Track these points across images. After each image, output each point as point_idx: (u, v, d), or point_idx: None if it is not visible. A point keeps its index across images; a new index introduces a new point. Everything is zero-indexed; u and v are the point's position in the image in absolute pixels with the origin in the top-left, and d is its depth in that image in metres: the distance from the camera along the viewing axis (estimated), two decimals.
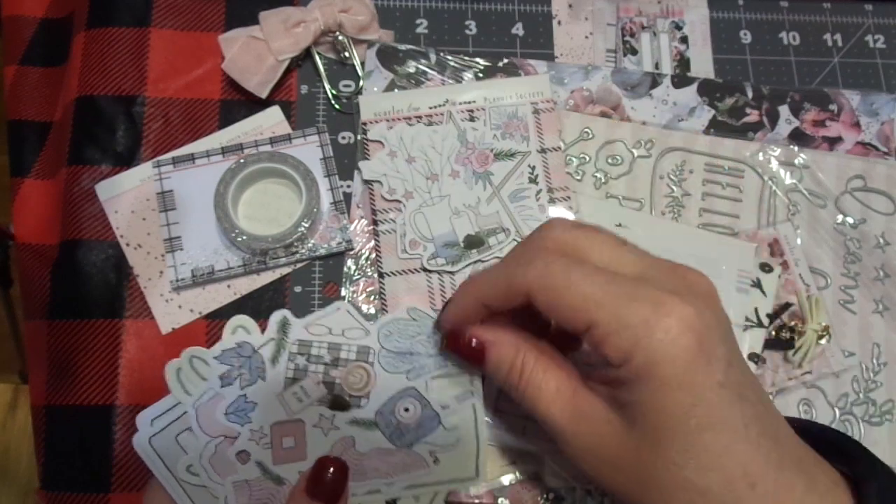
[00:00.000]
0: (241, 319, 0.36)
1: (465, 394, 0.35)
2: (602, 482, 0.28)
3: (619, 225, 0.41)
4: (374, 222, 0.41)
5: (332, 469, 0.31)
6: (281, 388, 0.34)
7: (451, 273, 0.40)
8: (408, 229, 0.40)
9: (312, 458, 0.34)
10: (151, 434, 0.34)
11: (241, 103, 0.43)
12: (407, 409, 0.35)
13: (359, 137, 0.42)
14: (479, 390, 0.35)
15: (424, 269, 0.40)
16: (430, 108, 0.42)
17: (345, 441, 0.34)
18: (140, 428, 0.34)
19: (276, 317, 0.35)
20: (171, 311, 0.39)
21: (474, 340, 0.31)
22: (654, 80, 0.44)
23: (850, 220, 0.43)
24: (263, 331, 0.36)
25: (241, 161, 0.40)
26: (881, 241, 0.43)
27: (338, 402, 0.34)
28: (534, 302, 0.28)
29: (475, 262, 0.40)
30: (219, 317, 0.39)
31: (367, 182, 0.41)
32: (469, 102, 0.42)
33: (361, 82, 0.43)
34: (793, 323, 0.41)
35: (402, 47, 0.44)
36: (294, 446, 0.34)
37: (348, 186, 0.42)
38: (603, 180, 0.42)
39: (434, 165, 0.41)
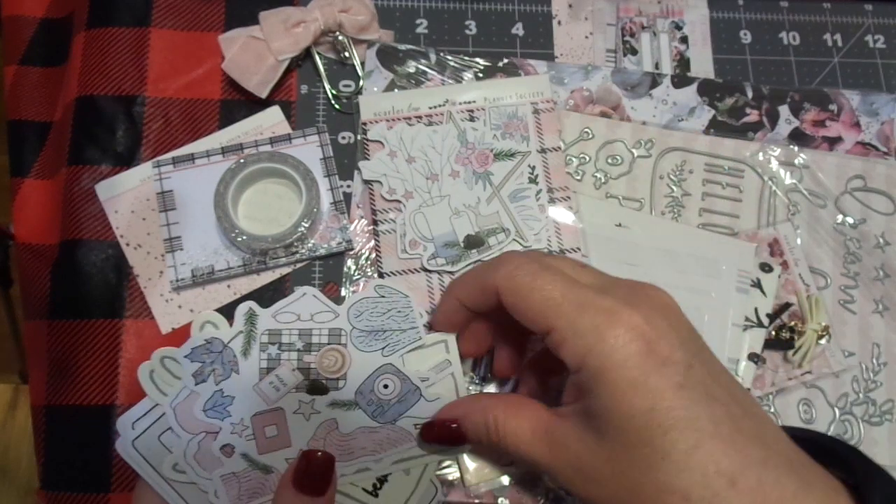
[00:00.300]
0: (208, 315, 0.35)
1: (442, 363, 0.35)
2: (594, 501, 0.29)
3: (619, 225, 0.41)
4: (374, 222, 0.41)
5: (317, 459, 0.31)
6: (256, 378, 0.34)
7: (451, 273, 0.40)
8: (408, 229, 0.40)
9: (297, 444, 0.34)
10: (134, 437, 0.34)
11: (241, 103, 0.43)
12: (386, 386, 0.35)
13: (359, 137, 0.42)
14: (457, 359, 0.35)
15: (424, 270, 0.40)
16: (430, 108, 0.42)
17: (328, 424, 0.34)
18: (122, 432, 0.34)
19: (241, 309, 0.35)
20: (171, 311, 0.39)
21: (451, 425, 0.33)
22: (654, 80, 0.44)
23: (849, 220, 0.43)
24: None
25: (241, 161, 0.40)
26: (881, 241, 0.43)
27: (315, 387, 0.34)
28: (503, 301, 0.30)
29: (475, 261, 0.40)
30: None
31: (367, 182, 0.41)
32: (469, 102, 0.42)
33: (361, 82, 0.43)
34: (793, 323, 0.41)
35: (402, 47, 0.44)
36: (277, 434, 0.34)
37: (348, 186, 0.42)
38: (603, 180, 0.42)
39: (434, 165, 0.41)
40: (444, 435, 0.33)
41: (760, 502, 0.26)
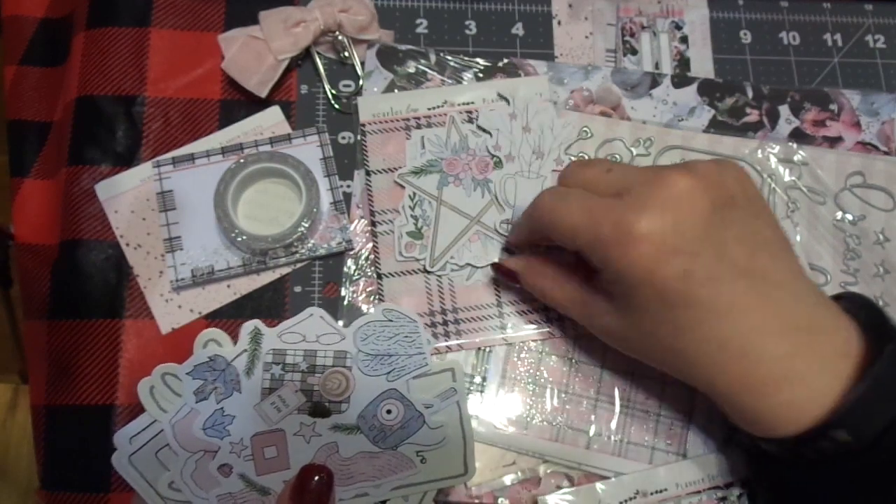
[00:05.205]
0: (212, 333, 0.35)
1: (447, 392, 0.35)
2: (619, 349, 0.35)
3: None
4: (373, 223, 0.41)
5: (316, 477, 0.31)
6: (258, 398, 0.34)
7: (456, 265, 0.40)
8: (497, 189, 0.41)
9: (296, 466, 0.33)
10: (131, 452, 0.33)
11: (241, 103, 0.43)
12: (389, 412, 0.34)
13: (358, 138, 0.42)
14: (462, 387, 0.35)
15: (424, 271, 0.40)
16: (429, 109, 0.42)
17: (328, 447, 0.34)
18: (119, 447, 0.33)
19: (247, 327, 0.35)
20: (171, 311, 0.39)
21: (513, 274, 0.38)
22: (654, 80, 0.44)
23: (849, 216, 0.43)
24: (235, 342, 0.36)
25: (241, 161, 0.40)
26: (881, 237, 0.43)
27: (318, 409, 0.34)
28: (545, 236, 0.35)
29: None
30: (219, 317, 0.39)
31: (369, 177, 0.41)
32: (468, 104, 0.43)
33: (361, 82, 0.43)
34: None
35: (402, 47, 0.44)
36: (276, 456, 0.34)
37: (348, 186, 0.42)
38: None
39: (544, 145, 0.42)
40: (508, 277, 0.39)
41: (758, 362, 0.30)
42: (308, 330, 0.35)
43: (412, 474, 0.34)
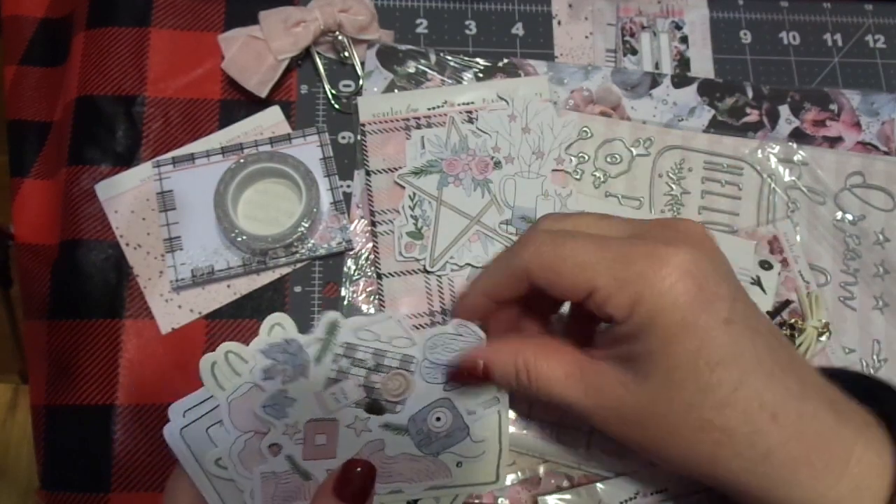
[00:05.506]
0: (279, 317, 0.35)
1: (491, 400, 0.35)
2: (633, 445, 0.29)
3: None
4: (373, 223, 0.41)
5: (359, 470, 0.31)
6: (321, 387, 0.34)
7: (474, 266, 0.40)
8: (496, 190, 0.40)
9: (342, 456, 0.34)
10: (183, 425, 0.34)
11: (240, 103, 0.43)
12: (439, 419, 0.35)
13: (358, 138, 0.42)
14: (506, 396, 0.35)
15: (424, 271, 0.40)
16: (429, 109, 0.42)
17: (375, 444, 0.34)
18: (172, 418, 0.34)
19: (327, 318, 0.35)
20: (171, 310, 0.39)
21: (479, 366, 0.32)
22: (654, 80, 0.44)
23: (849, 216, 0.43)
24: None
25: (241, 161, 0.40)
26: (881, 237, 0.43)
27: (374, 407, 0.35)
28: (534, 281, 0.29)
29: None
30: (219, 317, 0.39)
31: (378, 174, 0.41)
32: (468, 104, 0.43)
33: (361, 82, 0.43)
34: (793, 320, 0.41)
35: (402, 47, 0.44)
36: (325, 444, 0.34)
37: (348, 186, 0.42)
38: (602, 179, 0.42)
39: (544, 144, 0.42)
40: (471, 377, 0.32)
41: (800, 435, 0.26)
42: (383, 331, 0.36)
43: (447, 479, 0.35)
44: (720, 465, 0.27)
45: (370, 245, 0.41)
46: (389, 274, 0.40)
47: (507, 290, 0.31)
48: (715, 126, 0.44)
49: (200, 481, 0.33)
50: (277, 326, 0.35)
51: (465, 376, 0.33)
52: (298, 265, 0.40)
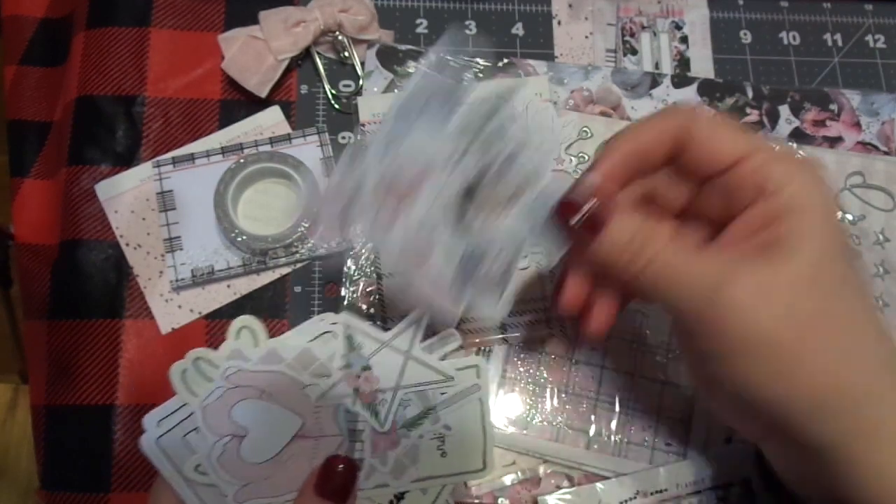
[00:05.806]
0: (246, 320, 0.35)
1: (471, 388, 0.35)
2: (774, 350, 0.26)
3: None
4: None
5: (341, 466, 0.31)
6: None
7: None
8: None
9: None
10: (158, 435, 0.34)
11: (240, 103, 0.43)
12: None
13: (357, 138, 0.42)
14: (486, 385, 0.35)
15: None
16: None
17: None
18: (147, 429, 0.34)
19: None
20: (171, 311, 0.39)
21: (591, 203, 0.28)
22: (654, 80, 0.44)
23: (849, 216, 0.43)
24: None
25: (241, 161, 0.40)
26: (880, 237, 0.43)
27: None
28: (688, 140, 0.28)
29: None
30: (219, 317, 0.39)
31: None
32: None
33: (361, 82, 0.43)
34: None
35: (402, 47, 0.44)
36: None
37: None
38: None
39: None
40: (584, 218, 0.28)
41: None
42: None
43: (432, 468, 0.34)
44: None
45: (370, 245, 0.41)
46: (390, 274, 0.40)
47: (656, 146, 0.29)
48: None
49: (182, 489, 0.33)
50: (245, 329, 0.35)
51: (574, 212, 0.28)
52: (298, 265, 0.40)
